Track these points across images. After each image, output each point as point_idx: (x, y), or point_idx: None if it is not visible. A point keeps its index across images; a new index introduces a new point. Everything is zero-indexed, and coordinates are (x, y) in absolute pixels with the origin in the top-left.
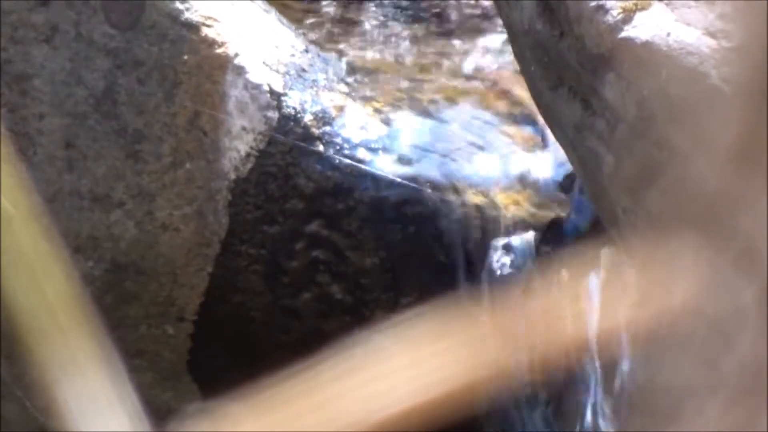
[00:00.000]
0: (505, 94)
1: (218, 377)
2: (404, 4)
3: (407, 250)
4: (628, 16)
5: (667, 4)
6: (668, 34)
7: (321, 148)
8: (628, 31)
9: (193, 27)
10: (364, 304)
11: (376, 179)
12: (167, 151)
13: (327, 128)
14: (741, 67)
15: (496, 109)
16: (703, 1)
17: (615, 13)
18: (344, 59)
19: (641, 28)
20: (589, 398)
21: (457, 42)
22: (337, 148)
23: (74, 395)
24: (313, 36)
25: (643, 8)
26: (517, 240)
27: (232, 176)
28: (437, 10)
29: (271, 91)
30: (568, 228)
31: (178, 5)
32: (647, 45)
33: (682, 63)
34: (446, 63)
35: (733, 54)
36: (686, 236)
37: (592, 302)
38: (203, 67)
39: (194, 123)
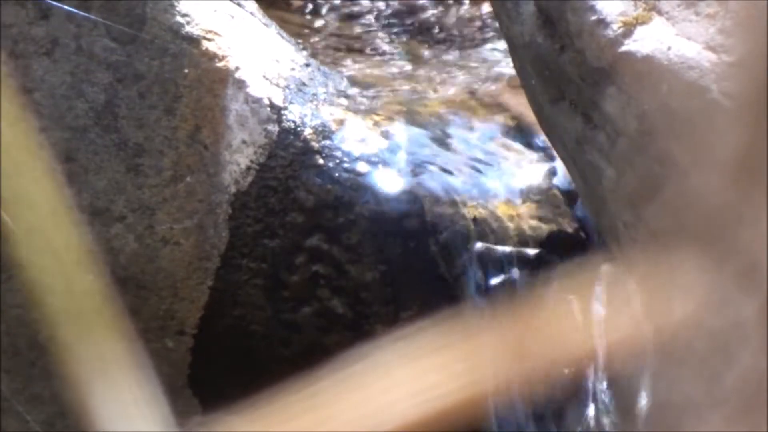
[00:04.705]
0: (504, 107)
1: (219, 391)
2: (403, 18)
3: (407, 264)
4: (628, 30)
5: (667, 19)
6: (669, 48)
7: (321, 161)
8: (628, 45)
9: (194, 41)
10: (364, 318)
11: (376, 193)
12: (168, 164)
13: (327, 142)
14: (741, 81)
15: (495, 122)
16: (704, 15)
17: (615, 27)
18: (344, 73)
19: (642, 42)
20: (590, 412)
21: (455, 55)
22: (337, 161)
23: (103, 399)
24: (312, 50)
25: (643, 22)
26: (518, 253)
27: (233, 190)
28: (436, 24)
29: (272, 105)
30: (568, 241)
31: (179, 19)
32: (648, 59)
33: (683, 77)
34: (445, 76)
35: (733, 69)
36: (687, 250)
37: (594, 316)
38: (204, 80)
39: (195, 137)
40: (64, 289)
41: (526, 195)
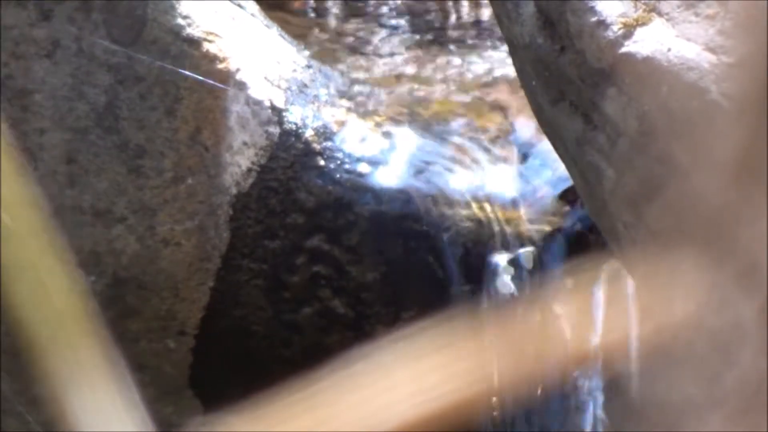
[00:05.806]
0: (504, 108)
1: (220, 391)
2: (405, 19)
3: (408, 265)
4: (628, 32)
5: (667, 20)
6: (668, 50)
7: (322, 162)
8: (628, 47)
9: (194, 42)
10: (365, 319)
11: (376, 194)
12: (169, 166)
13: (328, 143)
14: (741, 82)
15: (496, 123)
16: (704, 16)
17: (616, 29)
18: (346, 74)
19: (642, 44)
20: (589, 413)
21: (457, 56)
22: (338, 162)
23: (83, 406)
24: (314, 51)
25: (643, 23)
26: (518, 254)
27: (234, 191)
28: (438, 25)
29: (273, 107)
30: (568, 241)
31: (180, 21)
32: (648, 60)
33: (683, 78)
34: (447, 77)
35: (733, 69)
36: (687, 251)
37: (593, 316)
38: (205, 82)
39: (196, 138)
40: (43, 299)
41: (526, 196)
